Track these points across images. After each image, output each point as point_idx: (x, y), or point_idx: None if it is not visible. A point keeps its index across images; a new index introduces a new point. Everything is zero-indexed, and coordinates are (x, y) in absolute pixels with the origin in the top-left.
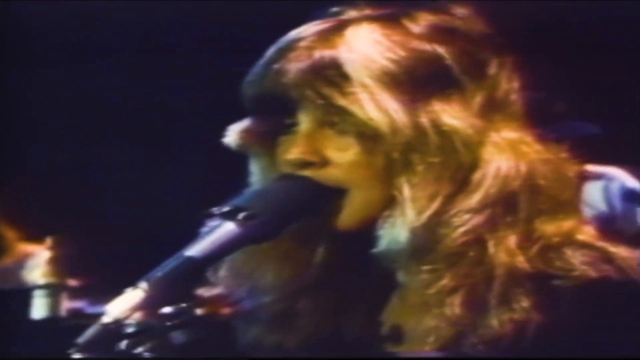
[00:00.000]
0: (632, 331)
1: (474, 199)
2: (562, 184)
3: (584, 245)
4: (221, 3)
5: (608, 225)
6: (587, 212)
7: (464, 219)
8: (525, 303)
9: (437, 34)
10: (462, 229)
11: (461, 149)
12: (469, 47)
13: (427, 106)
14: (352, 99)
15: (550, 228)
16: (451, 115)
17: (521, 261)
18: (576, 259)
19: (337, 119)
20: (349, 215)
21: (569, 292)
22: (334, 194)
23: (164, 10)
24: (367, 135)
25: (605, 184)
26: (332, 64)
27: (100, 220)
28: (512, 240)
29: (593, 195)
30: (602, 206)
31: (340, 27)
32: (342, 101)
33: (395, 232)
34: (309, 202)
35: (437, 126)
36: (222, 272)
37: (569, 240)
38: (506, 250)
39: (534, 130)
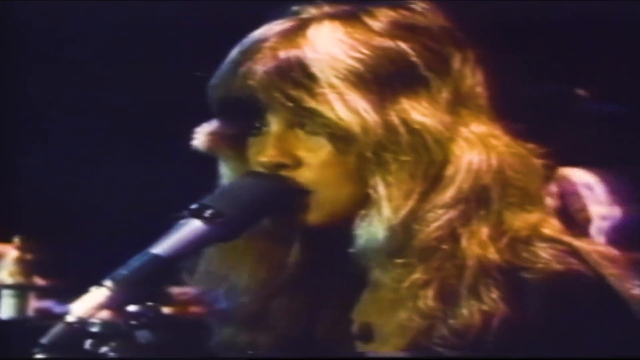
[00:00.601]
0: (596, 324)
1: (448, 194)
2: (529, 176)
3: (550, 239)
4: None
5: (569, 218)
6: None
7: (438, 214)
8: (494, 294)
9: (398, 30)
10: (435, 224)
11: (432, 145)
12: (430, 42)
13: (396, 104)
14: (321, 99)
15: (518, 220)
16: (420, 112)
17: (492, 252)
18: (543, 251)
19: (307, 120)
20: (318, 212)
21: (535, 284)
22: (302, 191)
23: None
24: (339, 136)
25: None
26: (298, 64)
27: (68, 220)
28: (484, 232)
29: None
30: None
31: (302, 27)
32: (311, 103)
33: (373, 230)
34: (276, 199)
35: (407, 124)
36: (198, 272)
37: (536, 232)
38: (478, 242)
39: (501, 123)
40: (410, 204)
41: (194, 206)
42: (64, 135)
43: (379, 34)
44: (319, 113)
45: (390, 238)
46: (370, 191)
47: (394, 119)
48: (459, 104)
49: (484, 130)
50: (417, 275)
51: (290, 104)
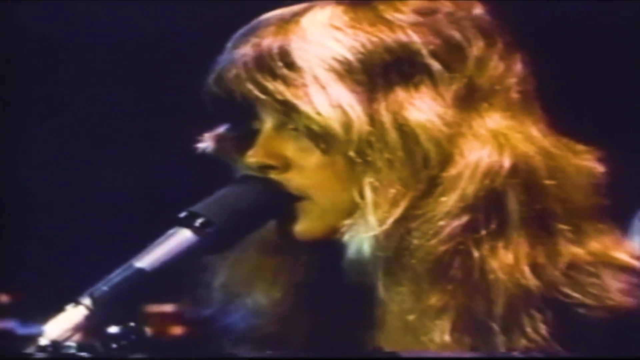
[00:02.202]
0: None
1: (449, 201)
2: (572, 185)
3: (622, 267)
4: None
5: None
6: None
7: (439, 226)
8: (542, 330)
9: (414, 15)
10: (436, 238)
11: (426, 144)
12: (446, 28)
13: (389, 98)
14: (300, 92)
15: (570, 242)
16: (417, 107)
17: (530, 279)
18: (612, 282)
19: (288, 116)
20: (313, 221)
21: (600, 322)
22: (296, 198)
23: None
24: (317, 133)
25: None
26: (279, 54)
27: (32, 226)
28: (512, 252)
29: None
30: None
31: (300, 13)
32: (286, 95)
33: (358, 242)
34: (269, 207)
35: (397, 120)
36: (212, 289)
37: (601, 258)
38: (504, 264)
39: (546, 120)
40: (397, 211)
41: (182, 214)
42: (27, 142)
43: (388, 20)
44: (295, 107)
45: (379, 250)
46: (357, 196)
47: (384, 115)
48: (476, 97)
49: (503, 126)
50: (427, 303)
51: (264, 97)
